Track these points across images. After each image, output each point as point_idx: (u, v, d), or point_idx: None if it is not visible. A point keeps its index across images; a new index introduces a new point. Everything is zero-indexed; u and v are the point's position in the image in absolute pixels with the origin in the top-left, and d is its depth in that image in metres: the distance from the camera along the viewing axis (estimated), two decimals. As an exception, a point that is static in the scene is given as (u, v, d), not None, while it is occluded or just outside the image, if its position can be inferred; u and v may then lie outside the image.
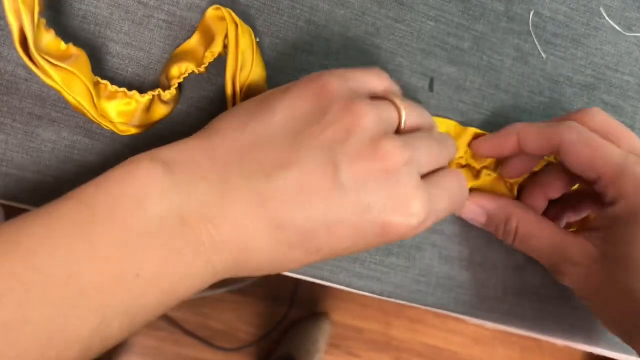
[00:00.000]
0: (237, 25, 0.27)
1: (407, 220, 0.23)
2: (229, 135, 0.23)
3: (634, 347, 0.28)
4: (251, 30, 0.27)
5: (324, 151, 0.22)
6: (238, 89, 0.27)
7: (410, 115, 0.26)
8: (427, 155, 0.25)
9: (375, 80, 0.26)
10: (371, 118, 0.23)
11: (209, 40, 0.28)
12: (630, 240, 0.26)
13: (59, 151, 0.27)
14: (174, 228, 0.21)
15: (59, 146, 0.27)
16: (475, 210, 0.31)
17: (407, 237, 0.24)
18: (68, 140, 0.27)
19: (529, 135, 0.29)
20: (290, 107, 0.23)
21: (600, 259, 0.27)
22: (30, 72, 0.27)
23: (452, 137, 0.30)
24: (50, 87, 0.27)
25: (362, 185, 0.22)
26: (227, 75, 0.27)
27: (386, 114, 0.24)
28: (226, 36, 0.27)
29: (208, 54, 0.27)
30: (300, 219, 0.22)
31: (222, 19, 0.27)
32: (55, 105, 0.27)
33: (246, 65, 0.27)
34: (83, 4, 0.28)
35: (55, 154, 0.27)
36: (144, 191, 0.21)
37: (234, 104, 0.27)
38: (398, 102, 0.25)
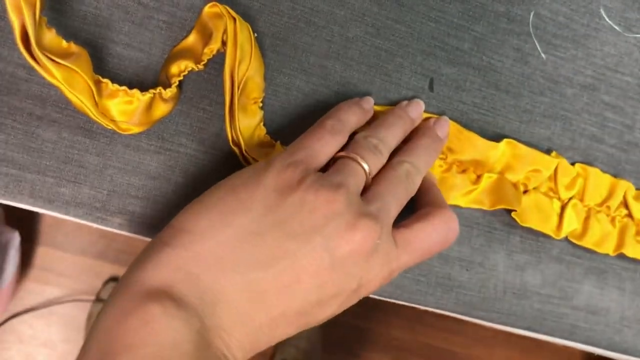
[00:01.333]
0: (235, 20, 0.27)
1: (375, 283, 0.26)
2: (215, 236, 0.23)
3: None
4: (249, 25, 0.27)
5: (309, 238, 0.24)
6: (236, 83, 0.27)
7: (373, 163, 0.27)
8: (396, 204, 0.27)
9: (331, 146, 0.27)
10: (341, 200, 0.24)
11: (206, 37, 0.28)
12: None
13: (59, 151, 0.27)
14: (206, 355, 0.22)
15: (59, 146, 0.27)
16: None
17: (374, 291, 0.27)
18: (68, 140, 0.27)
19: None
20: (266, 198, 0.24)
21: None
22: (30, 72, 0.27)
23: (434, 140, 0.30)
24: (50, 87, 0.27)
25: (345, 262, 0.24)
26: (226, 69, 0.27)
27: (353, 182, 0.25)
28: (224, 31, 0.27)
29: (206, 50, 0.27)
30: (297, 304, 0.24)
31: (219, 15, 0.27)
32: (55, 105, 0.27)
33: (245, 59, 0.27)
34: (83, 5, 0.28)
35: (55, 154, 0.27)
36: (177, 335, 0.21)
37: (232, 98, 0.27)
38: (360, 160, 0.26)
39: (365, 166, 0.26)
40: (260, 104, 0.29)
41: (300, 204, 0.24)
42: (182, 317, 0.22)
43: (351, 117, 0.29)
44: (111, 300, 0.22)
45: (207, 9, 0.27)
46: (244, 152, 0.28)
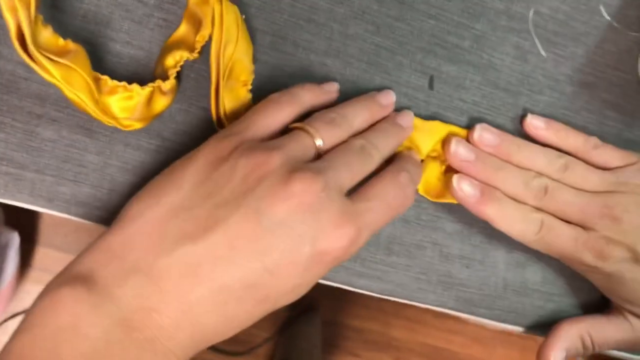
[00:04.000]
0: (220, 3, 0.26)
1: (338, 242, 0.23)
2: (144, 216, 0.23)
3: None
4: (236, 8, 0.27)
5: (240, 203, 0.22)
6: (222, 65, 0.27)
7: (327, 135, 0.26)
8: (347, 171, 0.25)
9: (275, 117, 0.26)
10: (275, 159, 0.23)
11: (197, 25, 0.28)
12: None
13: (59, 150, 0.27)
14: (122, 339, 0.21)
15: (58, 145, 0.27)
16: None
17: (345, 257, 0.24)
18: (68, 139, 0.27)
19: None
20: (197, 173, 0.24)
21: None
22: (29, 70, 0.27)
23: (393, 132, 0.29)
24: (49, 86, 0.27)
25: (286, 222, 0.22)
26: (212, 52, 0.27)
27: (295, 147, 0.24)
28: (212, 16, 0.27)
29: (199, 38, 0.27)
30: (239, 274, 0.22)
31: (206, 1, 0.27)
32: (55, 104, 0.27)
33: (231, 42, 0.27)
34: (83, 3, 0.28)
35: (55, 153, 0.27)
36: (77, 319, 0.21)
37: (218, 82, 0.27)
38: (309, 128, 0.25)
39: (317, 138, 0.25)
40: (250, 87, 0.29)
41: (232, 172, 0.23)
42: (91, 301, 0.21)
43: (304, 92, 0.28)
44: (47, 285, 0.23)
45: None
46: None
